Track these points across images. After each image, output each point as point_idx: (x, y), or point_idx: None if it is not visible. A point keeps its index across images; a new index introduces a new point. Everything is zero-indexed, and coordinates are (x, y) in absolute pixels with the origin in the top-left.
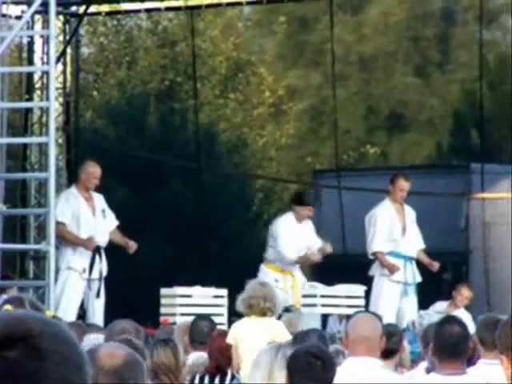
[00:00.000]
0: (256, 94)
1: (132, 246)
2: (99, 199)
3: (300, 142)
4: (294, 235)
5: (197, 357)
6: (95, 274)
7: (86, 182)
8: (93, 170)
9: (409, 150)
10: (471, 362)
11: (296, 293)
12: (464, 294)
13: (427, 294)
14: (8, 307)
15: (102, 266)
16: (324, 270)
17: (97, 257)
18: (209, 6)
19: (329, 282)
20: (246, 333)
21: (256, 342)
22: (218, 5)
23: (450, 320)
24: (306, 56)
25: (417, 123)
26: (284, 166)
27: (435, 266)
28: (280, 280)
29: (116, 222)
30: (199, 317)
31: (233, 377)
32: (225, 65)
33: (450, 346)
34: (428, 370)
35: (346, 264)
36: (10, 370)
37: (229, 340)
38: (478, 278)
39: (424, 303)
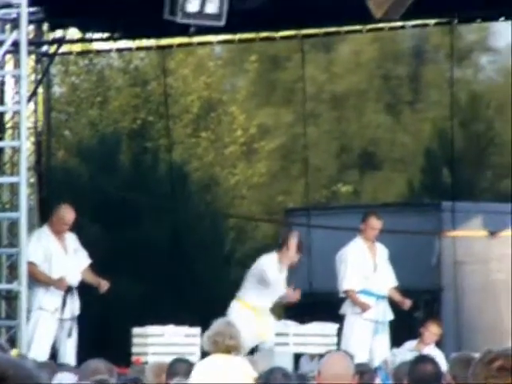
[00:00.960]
0: (228, 133)
1: (104, 285)
2: (71, 238)
3: (272, 181)
4: (278, 280)
5: None
6: (67, 314)
7: (57, 225)
8: (63, 215)
9: (381, 187)
10: None
11: (265, 329)
12: (432, 330)
13: (399, 332)
14: None
15: (73, 305)
16: (292, 309)
17: (68, 296)
18: (180, 45)
19: (297, 320)
20: (210, 371)
21: (220, 379)
22: (189, 44)
23: (422, 359)
24: (278, 94)
25: (389, 161)
26: (256, 205)
27: (407, 303)
28: (251, 316)
29: (88, 261)
30: (177, 358)
31: None
32: (197, 104)
33: None
34: None
35: (314, 302)
36: None
37: (192, 379)
38: (450, 315)
39: (396, 341)
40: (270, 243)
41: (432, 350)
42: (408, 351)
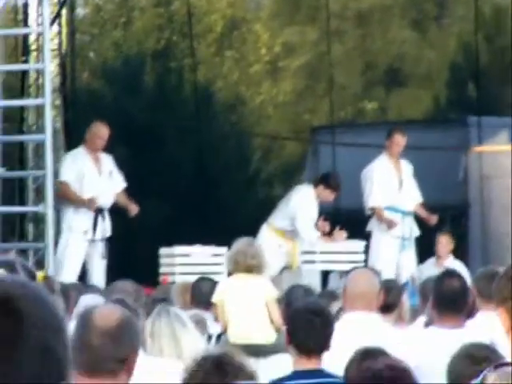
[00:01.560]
0: (252, 52)
1: (133, 209)
2: (107, 160)
3: (297, 99)
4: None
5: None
6: (98, 235)
7: (90, 142)
8: (96, 130)
9: (407, 104)
10: (470, 314)
11: (295, 255)
12: (442, 242)
13: (426, 248)
14: (0, 271)
15: (105, 226)
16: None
17: (99, 218)
18: None
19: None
20: (231, 290)
21: (242, 299)
22: None
23: (449, 274)
24: (302, 12)
25: (414, 77)
26: (282, 124)
27: (433, 219)
28: (283, 245)
29: (123, 184)
30: (201, 277)
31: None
32: (220, 23)
33: (449, 300)
34: (426, 324)
35: (340, 220)
36: None
37: (214, 299)
38: (477, 230)
39: (424, 257)
40: (296, 162)
41: (452, 263)
42: (434, 266)
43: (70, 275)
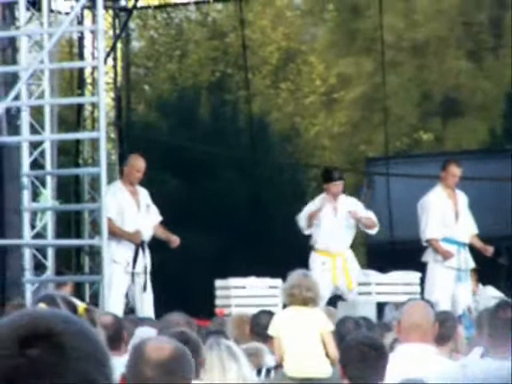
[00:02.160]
0: (307, 83)
1: (175, 240)
2: (144, 194)
3: (353, 130)
4: (325, 213)
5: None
6: (139, 268)
7: (130, 175)
8: (135, 163)
9: (463, 134)
10: None
11: (347, 275)
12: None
13: (486, 280)
14: (42, 306)
15: (145, 260)
16: (374, 258)
17: (140, 250)
18: None
19: (379, 269)
20: (287, 323)
21: (298, 332)
22: None
23: (503, 304)
24: (357, 43)
25: (470, 108)
26: (337, 155)
27: (489, 250)
28: (327, 262)
29: (159, 218)
30: (261, 310)
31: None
32: (275, 55)
33: (503, 331)
34: (482, 355)
35: (395, 251)
36: (33, 368)
37: (270, 331)
38: None
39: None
40: (351, 193)
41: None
42: (491, 298)
43: (116, 307)
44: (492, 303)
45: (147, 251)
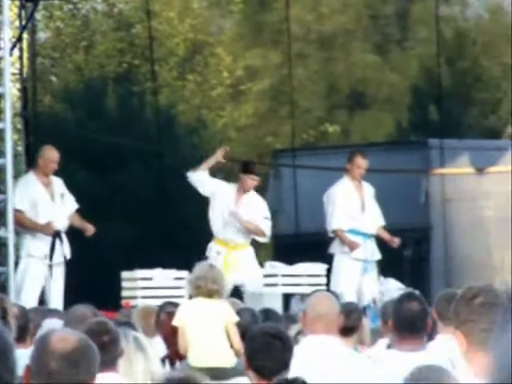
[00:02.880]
0: (214, 75)
1: (89, 229)
2: (58, 183)
3: (259, 122)
4: (224, 204)
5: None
6: (56, 259)
7: (44, 167)
8: (50, 155)
9: (369, 127)
10: (430, 336)
11: (241, 268)
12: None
13: (388, 272)
14: None
15: (63, 249)
16: (280, 250)
17: (57, 241)
18: None
19: (285, 261)
20: (192, 314)
21: (202, 323)
22: None
23: (408, 297)
24: (265, 36)
25: (377, 100)
26: (244, 147)
27: (396, 241)
28: (222, 252)
29: (75, 206)
30: (167, 302)
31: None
32: (182, 46)
33: (408, 323)
34: (388, 347)
35: (301, 243)
36: None
37: (175, 322)
38: (439, 253)
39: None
40: (258, 185)
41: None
42: (396, 290)
43: (30, 300)
44: (397, 295)
45: (65, 240)
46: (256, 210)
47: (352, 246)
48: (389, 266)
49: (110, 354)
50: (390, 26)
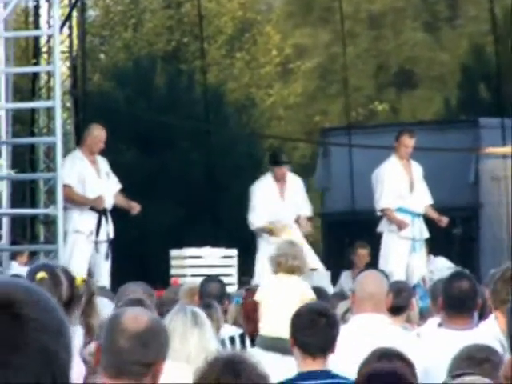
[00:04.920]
0: (263, 53)
1: (135, 207)
2: (103, 162)
3: (308, 101)
4: (269, 198)
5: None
6: (102, 237)
7: (92, 145)
8: (98, 133)
9: (418, 106)
10: (483, 316)
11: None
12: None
13: (438, 250)
14: (42, 274)
15: (108, 228)
16: (333, 227)
17: (103, 219)
18: None
19: (338, 238)
20: (272, 291)
21: (282, 299)
22: None
23: (458, 275)
24: (314, 14)
25: (426, 79)
26: (292, 125)
27: (444, 221)
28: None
29: (119, 186)
30: (209, 278)
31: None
32: (231, 24)
33: (458, 302)
34: (440, 326)
35: (355, 221)
36: None
37: (257, 298)
38: (488, 232)
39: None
40: (307, 163)
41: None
42: (445, 268)
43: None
44: (446, 274)
45: (110, 219)
46: (299, 201)
47: (400, 225)
48: (438, 244)
49: None
50: (439, 4)
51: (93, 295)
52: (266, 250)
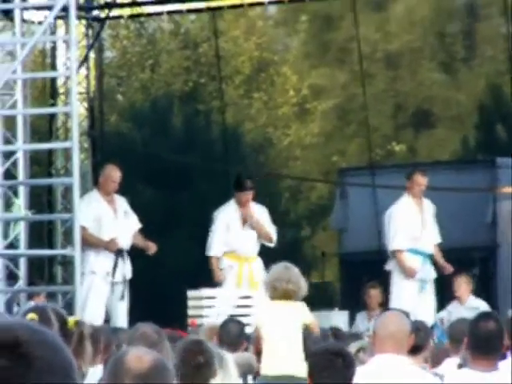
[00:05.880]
0: (280, 94)
1: (151, 247)
2: (121, 201)
3: (326, 141)
4: (230, 224)
5: (239, 357)
6: (118, 277)
7: (105, 185)
8: (110, 173)
9: (436, 146)
10: (502, 356)
11: (252, 282)
12: (461, 283)
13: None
14: (32, 316)
15: (125, 268)
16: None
17: (119, 259)
18: (231, 6)
19: (356, 278)
20: (268, 317)
21: (278, 328)
22: (240, 5)
23: (485, 316)
24: (331, 54)
25: (444, 119)
26: (310, 165)
27: (448, 269)
28: (234, 267)
29: (138, 225)
30: (228, 319)
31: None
32: (248, 65)
33: (484, 342)
34: (460, 366)
35: (374, 261)
36: None
37: (254, 325)
38: (506, 272)
39: (452, 299)
40: (324, 203)
41: (475, 302)
42: (465, 309)
43: (95, 317)
44: (465, 314)
45: (127, 259)
46: (262, 214)
47: (409, 273)
48: (447, 284)
49: (203, 375)
50: (456, 44)
51: (83, 336)
52: None
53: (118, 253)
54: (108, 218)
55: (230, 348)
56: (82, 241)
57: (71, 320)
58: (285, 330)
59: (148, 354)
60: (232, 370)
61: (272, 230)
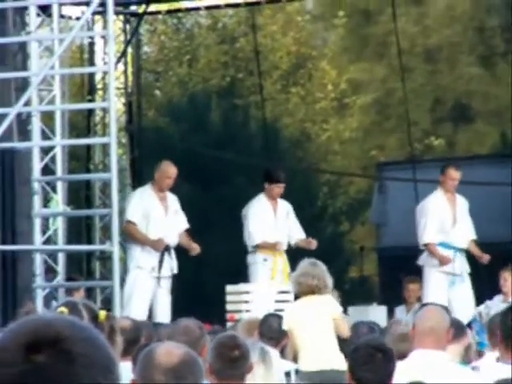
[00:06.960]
0: (318, 88)
1: (195, 248)
2: (173, 200)
3: (364, 135)
4: (265, 215)
5: None
6: (165, 272)
7: (160, 181)
8: (166, 169)
9: (474, 140)
10: None
11: (286, 274)
12: (506, 277)
13: (495, 285)
14: (63, 309)
15: (172, 263)
16: (389, 261)
17: (166, 255)
18: (269, 1)
19: (394, 273)
20: (298, 316)
21: (310, 324)
22: (278, 0)
23: None
24: (369, 49)
25: (482, 113)
26: (348, 160)
27: (485, 258)
28: (269, 260)
29: (186, 225)
30: (269, 314)
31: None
32: (286, 60)
33: None
34: (498, 360)
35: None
36: (40, 376)
37: (284, 326)
38: None
39: (489, 294)
40: (362, 198)
41: None
42: (502, 303)
43: (139, 313)
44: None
45: (173, 255)
46: (291, 223)
47: (443, 261)
48: (494, 280)
49: (238, 368)
50: (495, 38)
51: (113, 330)
52: None
53: (165, 249)
54: (157, 215)
55: (271, 343)
56: (129, 236)
57: (102, 313)
58: (316, 324)
59: (178, 349)
60: (274, 365)
61: (299, 229)
